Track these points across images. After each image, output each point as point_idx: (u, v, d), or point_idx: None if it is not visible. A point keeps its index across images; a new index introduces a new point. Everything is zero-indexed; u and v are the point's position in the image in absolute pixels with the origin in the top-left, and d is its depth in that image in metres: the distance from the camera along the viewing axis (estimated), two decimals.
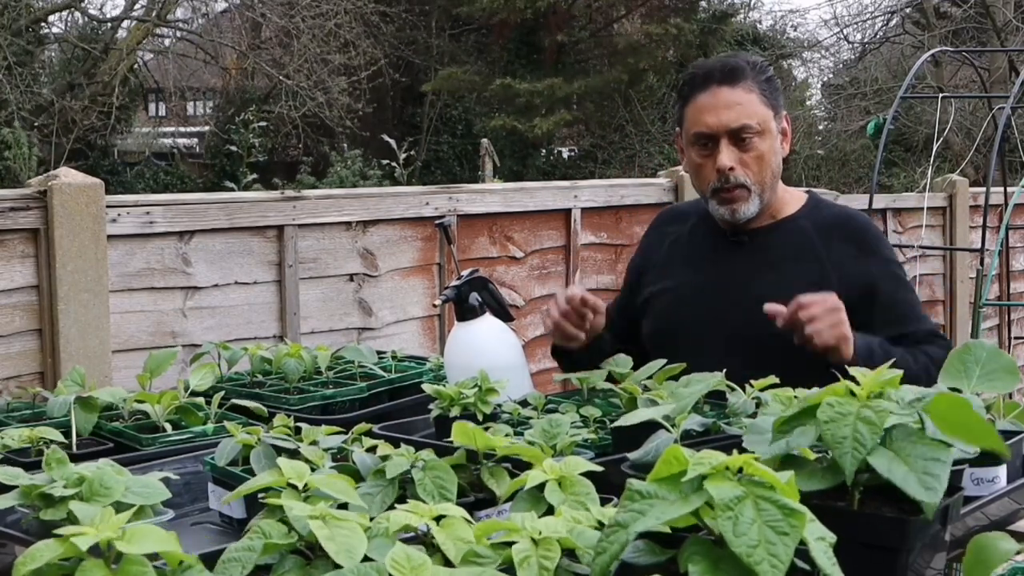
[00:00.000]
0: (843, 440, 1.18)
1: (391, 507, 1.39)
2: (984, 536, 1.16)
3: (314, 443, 1.65)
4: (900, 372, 1.29)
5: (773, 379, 1.76)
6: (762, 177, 2.32)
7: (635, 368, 2.06)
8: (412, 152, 13.09)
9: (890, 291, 2.34)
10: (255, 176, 11.38)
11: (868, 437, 1.18)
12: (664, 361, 1.97)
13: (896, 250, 6.01)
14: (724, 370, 1.78)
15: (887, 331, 2.26)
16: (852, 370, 1.30)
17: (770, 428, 1.30)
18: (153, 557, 1.13)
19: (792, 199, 2.45)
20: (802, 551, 1.03)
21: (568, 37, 18.23)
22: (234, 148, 13.74)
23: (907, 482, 1.15)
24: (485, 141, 11.68)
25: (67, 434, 1.93)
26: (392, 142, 11.58)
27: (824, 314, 2.10)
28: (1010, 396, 1.80)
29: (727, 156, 2.29)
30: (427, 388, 1.91)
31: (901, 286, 2.38)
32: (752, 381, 1.80)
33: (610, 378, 2.07)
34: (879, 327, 2.26)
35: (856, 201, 6.15)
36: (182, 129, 20.85)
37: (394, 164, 11.37)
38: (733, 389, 1.80)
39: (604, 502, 1.34)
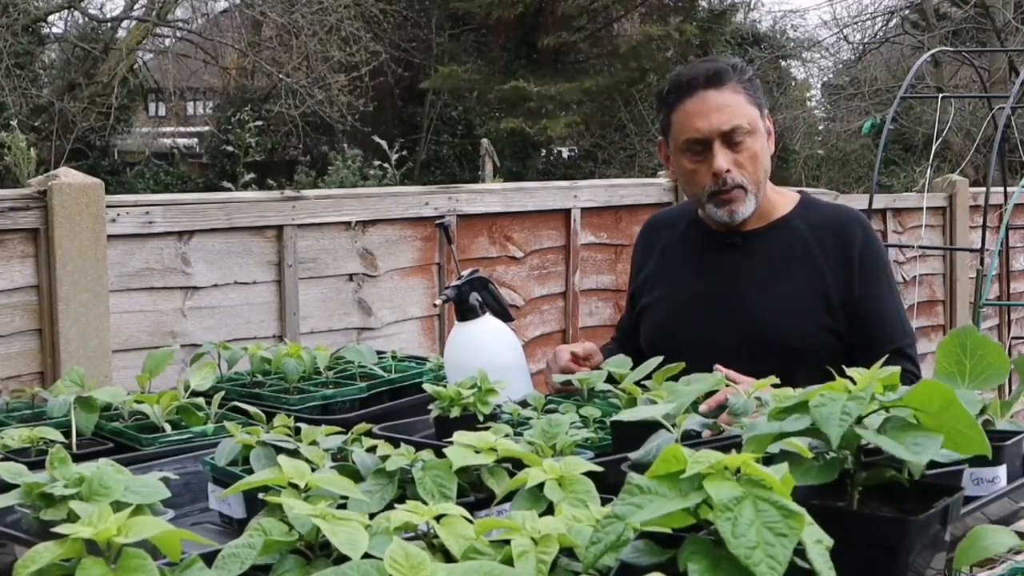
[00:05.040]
0: (830, 415, 1.20)
1: (391, 506, 1.39)
2: (983, 527, 1.16)
3: (314, 443, 1.65)
4: (897, 369, 1.30)
5: (773, 379, 1.76)
6: (756, 176, 2.32)
7: None
8: (404, 152, 13.09)
9: (880, 304, 2.33)
10: (253, 175, 11.38)
11: (855, 410, 1.20)
12: (661, 359, 1.97)
13: (896, 250, 6.05)
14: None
15: (864, 343, 2.26)
16: (850, 371, 1.30)
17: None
18: (154, 557, 1.13)
19: (784, 200, 2.44)
20: (802, 550, 1.03)
21: (567, 37, 18.23)
22: (231, 148, 13.75)
23: (895, 448, 1.17)
24: (485, 141, 11.69)
25: (67, 434, 1.93)
26: (383, 143, 11.58)
27: None
28: (1009, 391, 1.80)
29: (723, 159, 2.27)
30: (427, 388, 1.91)
31: (890, 296, 2.37)
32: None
33: (610, 379, 2.07)
34: (859, 338, 2.27)
35: (856, 201, 6.15)
36: (182, 129, 20.83)
37: (386, 165, 11.38)
38: None
39: (604, 502, 1.34)
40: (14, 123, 10.63)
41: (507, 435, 1.67)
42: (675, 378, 1.88)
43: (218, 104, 19.51)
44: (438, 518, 1.21)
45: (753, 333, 2.27)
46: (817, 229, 2.36)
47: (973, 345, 1.51)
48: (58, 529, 1.14)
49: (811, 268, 2.29)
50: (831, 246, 2.34)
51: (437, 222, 2.69)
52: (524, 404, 1.97)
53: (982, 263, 5.94)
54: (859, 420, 1.21)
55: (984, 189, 6.28)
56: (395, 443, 1.63)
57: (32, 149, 9.58)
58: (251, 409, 1.95)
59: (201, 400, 2.09)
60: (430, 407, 1.88)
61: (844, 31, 20.60)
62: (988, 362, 1.50)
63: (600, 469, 1.42)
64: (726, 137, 2.28)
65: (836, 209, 2.49)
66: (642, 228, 2.64)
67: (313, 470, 1.42)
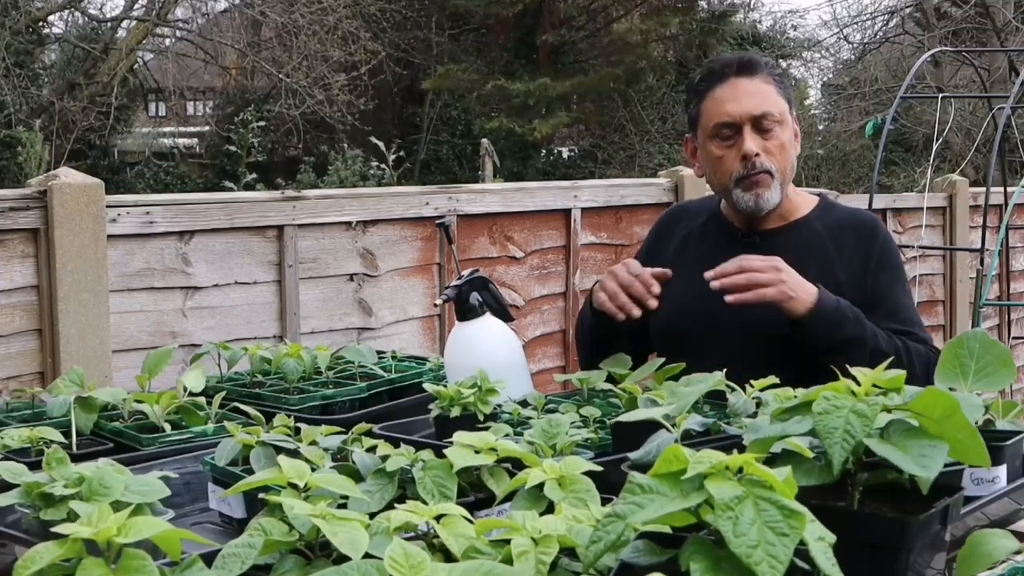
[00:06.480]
0: (834, 431, 1.18)
1: (391, 506, 1.39)
2: (983, 532, 1.16)
3: (314, 443, 1.65)
4: (902, 373, 1.29)
5: (773, 379, 1.75)
6: (784, 166, 2.32)
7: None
8: (402, 153, 13.08)
9: (893, 299, 2.34)
10: (255, 176, 11.39)
11: (859, 429, 1.18)
12: (662, 360, 1.97)
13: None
14: (730, 370, 1.77)
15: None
16: (854, 370, 1.30)
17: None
18: (154, 557, 1.13)
19: (804, 201, 2.44)
20: (802, 551, 1.03)
21: (567, 37, 18.23)
22: (233, 148, 13.76)
23: (902, 461, 1.15)
24: (485, 141, 11.67)
25: (67, 434, 1.93)
26: (380, 144, 11.57)
27: (767, 269, 2.12)
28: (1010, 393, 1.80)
29: (752, 142, 2.28)
30: (427, 388, 1.91)
31: (904, 295, 2.38)
32: (754, 381, 1.80)
33: (610, 378, 2.07)
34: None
35: (856, 201, 6.15)
36: (182, 129, 20.82)
37: (383, 167, 11.37)
38: (733, 389, 1.79)
39: (604, 502, 1.34)
40: (36, 124, 10.65)
41: (507, 435, 1.67)
42: (676, 378, 1.87)
43: (218, 104, 19.52)
44: (438, 518, 1.21)
45: (764, 329, 2.27)
46: (835, 231, 2.37)
47: (981, 347, 1.51)
48: (58, 529, 1.14)
49: (826, 268, 2.29)
50: (847, 248, 2.34)
51: (437, 222, 2.69)
52: (524, 404, 1.97)
53: (982, 263, 5.94)
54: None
55: (984, 189, 6.28)
56: (395, 443, 1.63)
57: (46, 147, 9.62)
58: (251, 409, 1.94)
59: (201, 400, 2.08)
60: (430, 407, 1.88)
61: (844, 31, 20.63)
62: (994, 364, 1.50)
63: (600, 469, 1.42)
64: (756, 123, 2.29)
65: (855, 212, 2.49)
66: (664, 214, 2.65)
67: (313, 470, 1.42)
